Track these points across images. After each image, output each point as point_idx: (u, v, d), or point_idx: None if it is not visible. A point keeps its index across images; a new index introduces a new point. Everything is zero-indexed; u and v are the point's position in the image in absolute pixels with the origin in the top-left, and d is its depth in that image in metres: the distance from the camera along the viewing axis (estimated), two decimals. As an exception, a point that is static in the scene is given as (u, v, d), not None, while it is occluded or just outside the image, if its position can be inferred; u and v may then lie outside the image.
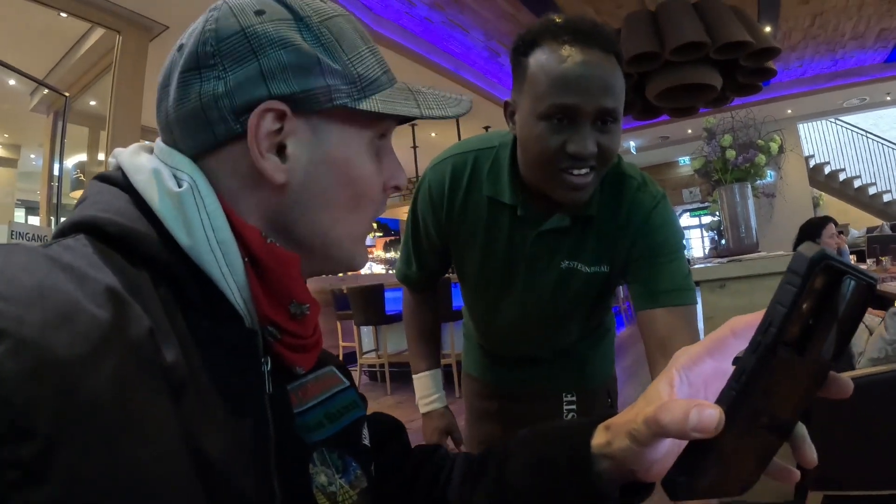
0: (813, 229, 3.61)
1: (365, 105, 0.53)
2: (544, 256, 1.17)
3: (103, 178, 0.51)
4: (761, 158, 3.18)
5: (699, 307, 1.98)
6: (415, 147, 8.61)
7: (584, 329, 1.33)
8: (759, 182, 5.13)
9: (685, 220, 15.55)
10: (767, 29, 6.64)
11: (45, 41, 5.16)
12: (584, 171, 0.99)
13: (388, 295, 6.09)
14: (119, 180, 0.50)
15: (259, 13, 0.50)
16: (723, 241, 3.99)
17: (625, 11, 4.48)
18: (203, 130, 0.50)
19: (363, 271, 9.97)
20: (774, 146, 3.25)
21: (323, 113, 0.52)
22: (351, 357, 7.10)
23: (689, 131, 9.90)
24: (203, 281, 0.48)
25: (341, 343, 7.40)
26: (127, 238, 0.45)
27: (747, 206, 3.21)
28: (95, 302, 0.38)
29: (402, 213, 9.54)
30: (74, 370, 0.34)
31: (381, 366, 6.35)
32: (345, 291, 6.42)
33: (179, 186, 0.48)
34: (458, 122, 8.18)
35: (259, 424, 0.49)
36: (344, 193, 0.55)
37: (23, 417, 0.31)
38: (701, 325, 2.46)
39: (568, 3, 6.10)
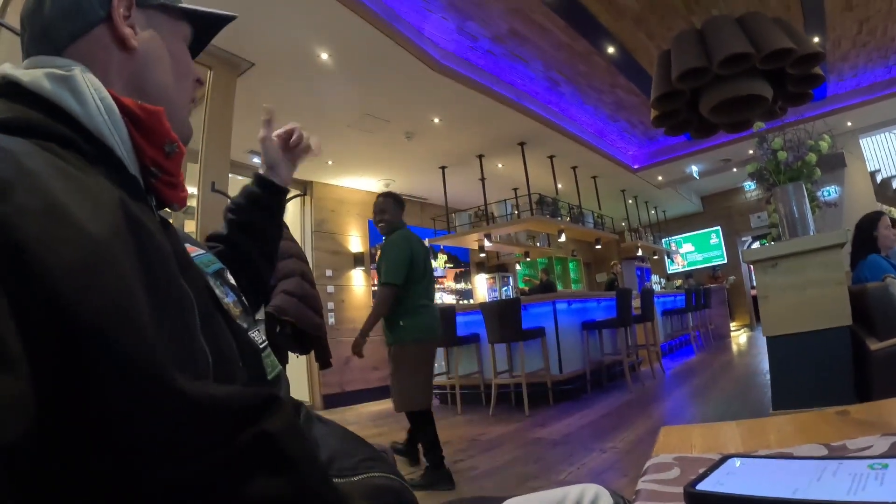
0: (869, 223, 3.67)
1: (180, 4, 0.80)
2: None
3: None
4: (811, 157, 3.30)
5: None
6: (483, 179, 8.68)
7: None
8: (821, 198, 5.18)
9: (755, 247, 15.16)
10: (816, 40, 6.64)
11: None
12: None
13: (459, 318, 6.21)
14: (6, 92, 0.61)
15: None
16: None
17: (676, 33, 4.69)
18: (77, 19, 0.69)
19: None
20: (824, 145, 3.37)
21: (153, 8, 0.77)
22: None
23: (750, 152, 9.72)
24: (94, 142, 0.61)
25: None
26: (26, 127, 0.55)
27: (803, 205, 3.24)
28: (17, 144, 0.49)
29: (472, 241, 9.67)
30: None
31: (452, 387, 6.46)
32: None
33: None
34: (523, 152, 8.19)
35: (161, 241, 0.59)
36: (172, 63, 0.78)
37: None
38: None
39: (620, 30, 6.27)
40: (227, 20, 0.89)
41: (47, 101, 0.60)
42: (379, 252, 3.77)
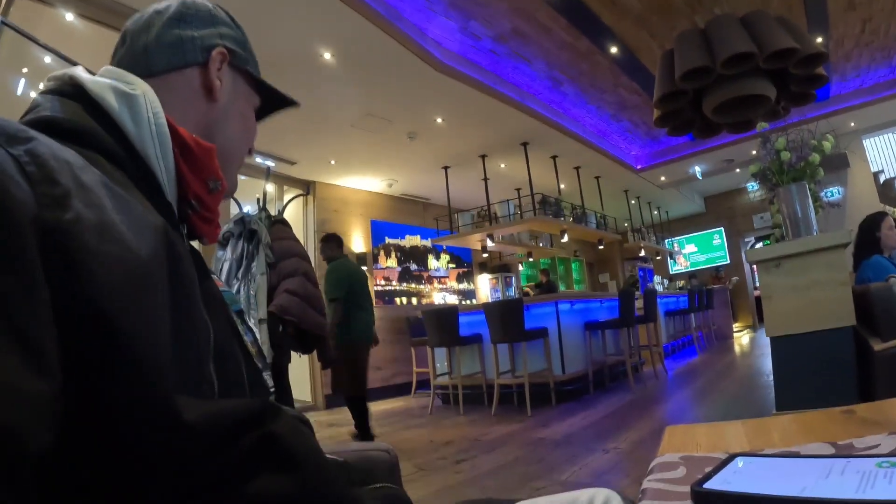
0: (872, 223, 3.66)
1: (260, 77, 0.86)
2: None
3: (52, 92, 0.64)
4: (815, 157, 3.28)
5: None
6: (486, 179, 8.64)
7: None
8: (824, 198, 5.18)
9: (758, 248, 15.06)
10: (819, 39, 6.64)
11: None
12: None
13: (462, 319, 6.22)
14: (70, 93, 0.63)
15: (215, 7, 0.83)
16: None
17: (678, 32, 4.68)
18: (177, 54, 0.75)
19: (437, 301, 10.28)
20: (827, 145, 3.35)
21: (239, 71, 0.83)
22: (424, 382, 7.31)
23: (753, 152, 9.70)
24: (138, 161, 0.63)
25: (415, 369, 7.66)
26: (80, 131, 0.58)
27: (806, 205, 3.20)
28: (73, 157, 0.50)
29: (474, 241, 9.64)
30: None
31: (454, 387, 6.47)
32: (420, 316, 6.67)
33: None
34: (526, 152, 8.17)
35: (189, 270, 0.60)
36: (243, 122, 0.84)
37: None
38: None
39: (623, 29, 6.26)
40: (289, 104, 0.94)
41: (107, 114, 0.62)
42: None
